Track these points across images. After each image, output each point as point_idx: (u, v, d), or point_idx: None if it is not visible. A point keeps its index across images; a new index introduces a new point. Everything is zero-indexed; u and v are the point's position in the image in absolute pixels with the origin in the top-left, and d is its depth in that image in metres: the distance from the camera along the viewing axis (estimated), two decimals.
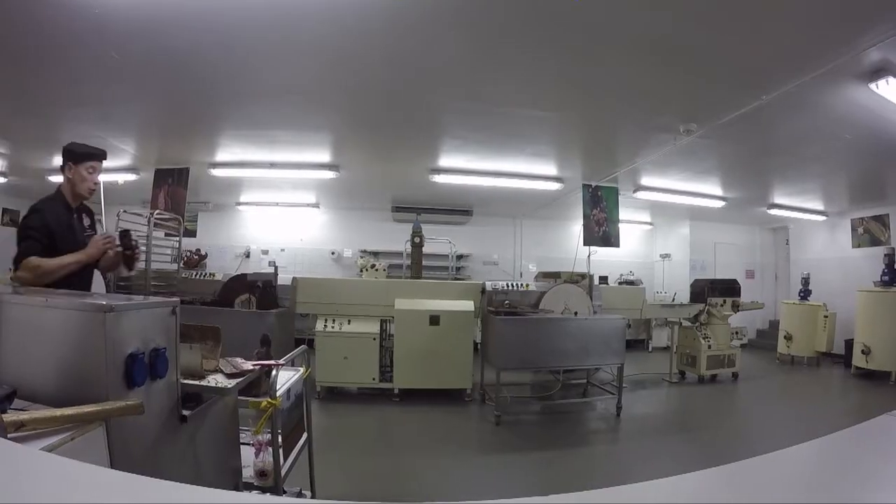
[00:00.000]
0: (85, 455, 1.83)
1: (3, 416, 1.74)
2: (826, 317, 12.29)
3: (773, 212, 13.09)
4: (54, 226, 3.97)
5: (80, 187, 4.24)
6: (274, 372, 3.16)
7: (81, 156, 4.27)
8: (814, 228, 14.42)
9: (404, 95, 6.68)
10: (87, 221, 4.37)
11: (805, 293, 12.95)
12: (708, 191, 11.52)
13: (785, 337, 12.74)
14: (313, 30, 4.88)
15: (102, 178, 9.17)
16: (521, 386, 9.16)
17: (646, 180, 10.80)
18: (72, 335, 2.19)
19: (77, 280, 3.96)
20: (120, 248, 4.28)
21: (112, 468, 1.93)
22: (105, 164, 8.83)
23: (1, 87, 6.60)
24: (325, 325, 8.26)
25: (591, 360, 7.85)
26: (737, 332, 10.78)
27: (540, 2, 4.31)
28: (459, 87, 6.33)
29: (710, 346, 10.06)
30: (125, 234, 4.36)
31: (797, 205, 12.75)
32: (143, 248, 4.51)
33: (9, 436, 1.67)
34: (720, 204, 12.28)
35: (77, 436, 1.87)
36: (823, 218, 13.70)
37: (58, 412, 1.88)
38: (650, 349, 14.22)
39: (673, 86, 5.99)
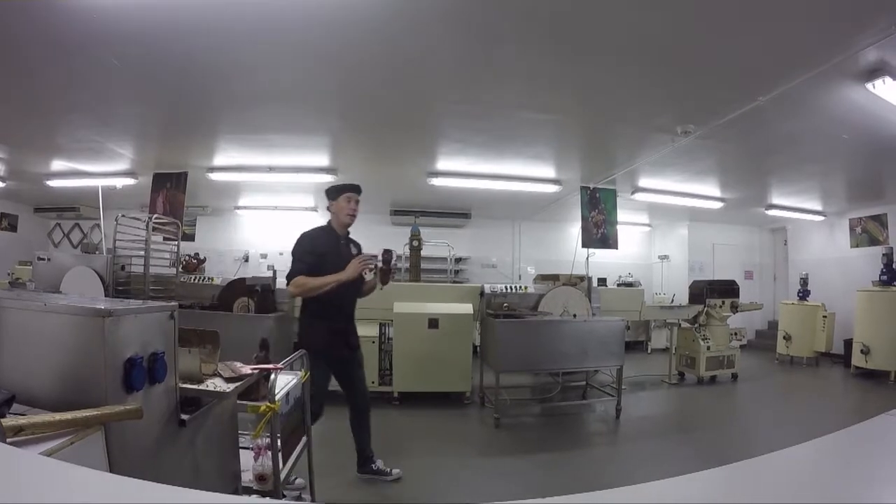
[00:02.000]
0: (84, 459, 1.84)
1: (2, 420, 1.75)
2: (825, 317, 12.30)
3: (772, 212, 13.12)
4: (323, 249, 4.95)
5: (341, 215, 5.12)
6: (273, 376, 3.16)
7: (337, 191, 5.16)
8: (812, 228, 14.45)
9: (401, 99, 6.69)
10: (354, 250, 5.23)
11: (804, 293, 12.94)
12: (706, 192, 11.54)
13: (784, 337, 12.74)
14: (309, 33, 4.89)
15: (100, 182, 9.21)
16: (520, 388, 9.15)
17: (644, 182, 10.81)
18: (71, 340, 2.20)
19: (341, 301, 5.09)
20: (379, 265, 5.11)
21: (111, 472, 1.93)
22: (103, 168, 9.03)
23: None
24: None
25: (590, 362, 7.82)
26: (736, 333, 10.79)
27: (537, 4, 4.32)
28: (457, 89, 6.34)
29: (709, 348, 10.05)
30: (388, 252, 5.16)
31: (795, 205, 12.78)
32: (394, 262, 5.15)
33: (7, 440, 1.67)
34: (718, 205, 12.30)
35: (76, 440, 1.87)
36: (821, 218, 13.72)
37: (56, 416, 1.88)
38: (649, 351, 14.17)
39: (670, 87, 6.01)
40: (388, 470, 5.37)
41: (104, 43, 5.11)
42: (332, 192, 5.18)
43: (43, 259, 7.78)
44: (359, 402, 5.52)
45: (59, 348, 2.20)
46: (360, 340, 5.49)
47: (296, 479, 3.89)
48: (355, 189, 5.17)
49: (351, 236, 5.32)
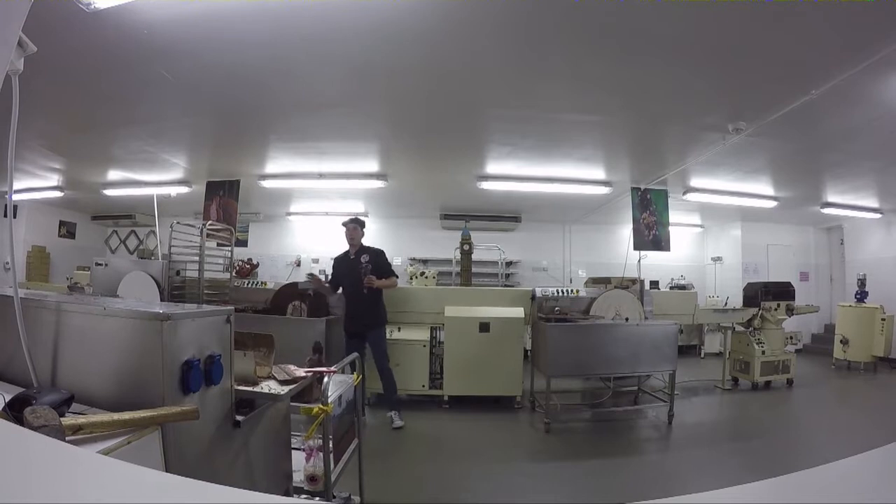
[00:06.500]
0: (140, 458, 1.88)
1: (62, 419, 1.79)
2: (884, 319, 11.88)
3: (827, 211, 12.73)
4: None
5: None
6: (326, 378, 3.20)
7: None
8: (869, 227, 13.92)
9: (449, 104, 6.72)
10: (364, 259, 7.34)
11: (861, 295, 12.49)
12: (759, 191, 11.30)
13: (841, 341, 12.34)
14: (358, 41, 4.93)
15: (155, 191, 9.51)
16: (571, 393, 9.09)
17: (695, 182, 10.65)
18: (129, 342, 2.25)
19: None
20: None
21: (167, 472, 1.97)
22: (157, 177, 9.56)
23: (57, 107, 6.79)
24: None
25: (642, 366, 7.75)
26: (791, 337, 10.50)
27: (583, 5, 4.30)
28: (503, 93, 6.35)
29: (763, 352, 9.84)
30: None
31: (851, 203, 12.34)
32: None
33: (66, 439, 1.71)
34: (772, 204, 12.04)
35: (133, 440, 1.91)
36: (879, 216, 13.18)
37: (114, 416, 1.93)
38: (702, 355, 13.93)
39: (720, 84, 5.92)
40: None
41: (155, 56, 5.24)
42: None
43: (101, 264, 7.95)
44: None
45: (117, 350, 2.26)
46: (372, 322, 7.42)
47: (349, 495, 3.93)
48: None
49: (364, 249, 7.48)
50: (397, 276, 7.88)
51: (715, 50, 5.05)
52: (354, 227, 7.47)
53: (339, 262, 7.60)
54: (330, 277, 7.74)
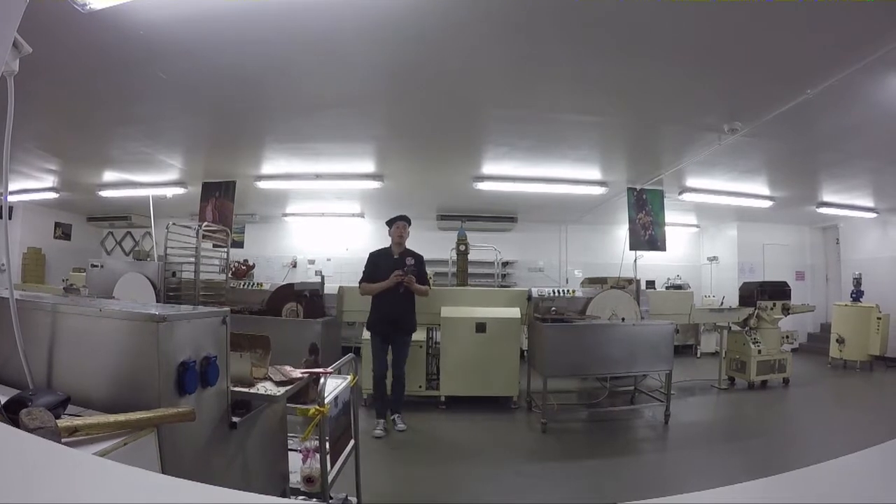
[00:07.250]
0: (136, 460, 1.87)
1: (58, 421, 1.78)
2: (879, 318, 11.89)
3: (823, 210, 12.76)
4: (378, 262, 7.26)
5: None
6: (322, 380, 3.19)
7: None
8: (865, 226, 13.93)
9: (446, 104, 6.72)
10: (410, 261, 7.13)
11: (857, 294, 12.51)
12: (755, 190, 11.32)
13: (837, 340, 12.34)
14: (355, 43, 4.94)
15: (151, 192, 9.47)
16: (567, 393, 9.08)
17: (691, 181, 10.67)
18: (125, 344, 2.25)
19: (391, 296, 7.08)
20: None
21: (163, 473, 1.96)
22: (153, 178, 9.49)
23: (53, 108, 6.78)
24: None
25: (638, 366, 7.74)
26: (787, 337, 10.49)
27: (581, 6, 4.30)
28: (501, 94, 6.35)
29: (759, 351, 9.84)
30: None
31: (847, 202, 12.35)
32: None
33: (62, 440, 1.71)
34: (768, 204, 12.05)
35: (129, 441, 1.91)
36: (874, 215, 13.20)
37: (111, 418, 1.92)
38: (699, 355, 13.92)
39: (717, 84, 5.93)
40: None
41: (151, 57, 5.23)
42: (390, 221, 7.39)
43: (96, 266, 7.94)
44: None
45: (113, 352, 2.25)
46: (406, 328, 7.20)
47: (346, 496, 3.93)
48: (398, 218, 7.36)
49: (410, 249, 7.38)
50: (430, 287, 7.87)
51: (712, 50, 5.05)
52: (405, 225, 7.36)
53: (380, 257, 7.34)
54: (363, 273, 7.32)
